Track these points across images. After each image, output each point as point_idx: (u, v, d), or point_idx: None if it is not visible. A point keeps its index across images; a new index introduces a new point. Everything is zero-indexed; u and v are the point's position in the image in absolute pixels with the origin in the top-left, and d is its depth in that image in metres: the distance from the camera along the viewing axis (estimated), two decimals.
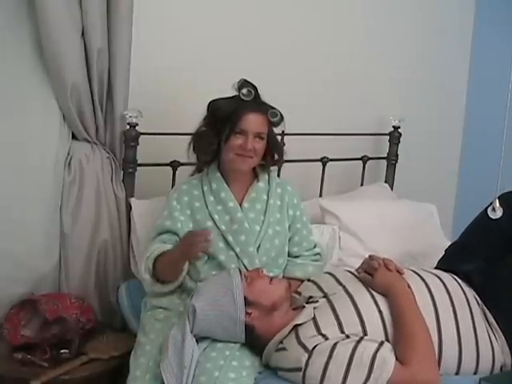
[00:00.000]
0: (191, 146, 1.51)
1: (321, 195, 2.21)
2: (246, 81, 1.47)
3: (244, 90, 1.44)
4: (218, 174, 1.53)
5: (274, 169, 1.68)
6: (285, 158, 2.05)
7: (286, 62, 2.12)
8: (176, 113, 1.85)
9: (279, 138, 1.94)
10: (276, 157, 1.54)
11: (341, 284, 1.38)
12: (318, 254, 1.64)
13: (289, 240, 1.58)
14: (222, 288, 1.29)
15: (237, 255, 1.47)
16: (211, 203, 1.50)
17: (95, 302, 1.76)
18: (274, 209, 1.55)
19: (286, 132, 2.01)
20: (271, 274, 1.44)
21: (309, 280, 1.47)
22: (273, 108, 1.48)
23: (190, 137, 1.53)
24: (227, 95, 1.49)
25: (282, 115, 1.49)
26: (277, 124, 1.48)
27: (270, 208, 1.54)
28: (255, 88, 1.47)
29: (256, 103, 1.45)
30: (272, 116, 1.45)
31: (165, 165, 1.85)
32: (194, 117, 1.50)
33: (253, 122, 1.43)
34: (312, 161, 2.18)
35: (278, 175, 2.06)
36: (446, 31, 2.54)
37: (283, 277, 1.51)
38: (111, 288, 1.78)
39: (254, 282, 1.32)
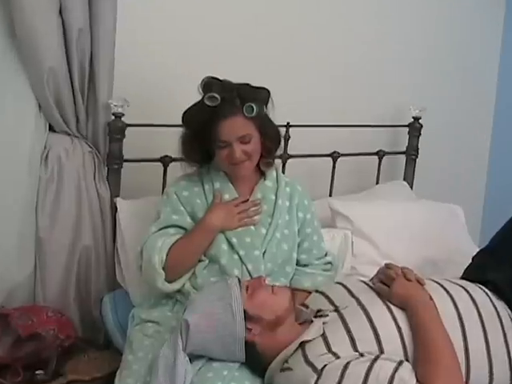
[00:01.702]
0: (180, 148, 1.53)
1: (331, 195, 2.21)
2: (208, 82, 1.45)
3: (207, 97, 1.42)
4: (222, 173, 1.55)
5: (277, 163, 1.71)
6: (290, 152, 2.09)
7: (291, 47, 2.12)
8: (167, 102, 1.85)
9: (283, 130, 1.97)
10: (273, 148, 1.54)
11: (354, 296, 1.39)
12: (329, 263, 1.66)
13: (298, 246, 1.59)
14: (219, 300, 1.29)
15: (241, 259, 1.49)
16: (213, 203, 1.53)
17: (75, 316, 1.76)
18: (283, 210, 1.57)
19: (291, 123, 2.05)
20: (277, 284, 1.45)
21: (317, 291, 1.48)
22: (250, 96, 1.44)
23: (182, 129, 1.55)
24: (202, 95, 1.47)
25: (264, 99, 1.47)
26: (260, 112, 1.45)
27: (278, 209, 1.55)
28: (221, 85, 1.44)
29: (227, 104, 1.43)
30: (248, 112, 1.42)
31: (155, 160, 1.85)
32: (187, 106, 1.50)
33: (230, 128, 1.43)
34: (321, 156, 2.18)
35: (283, 172, 2.06)
36: (475, 9, 2.53)
37: (289, 287, 1.52)
38: (94, 300, 1.79)
39: (256, 293, 1.32)
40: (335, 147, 2.19)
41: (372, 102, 2.33)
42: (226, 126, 1.43)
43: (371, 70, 2.32)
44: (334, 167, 2.20)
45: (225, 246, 1.50)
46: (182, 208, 1.53)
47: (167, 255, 1.45)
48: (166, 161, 1.86)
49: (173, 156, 1.81)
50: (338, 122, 2.16)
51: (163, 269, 1.45)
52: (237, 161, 1.46)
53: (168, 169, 1.87)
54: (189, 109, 1.49)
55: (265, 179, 1.58)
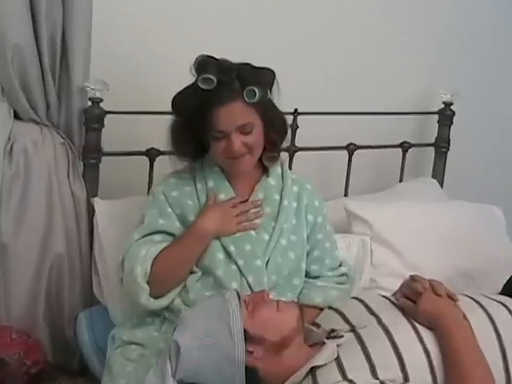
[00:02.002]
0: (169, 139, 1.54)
1: (346, 195, 2.22)
2: (202, 61, 1.45)
3: (201, 80, 1.42)
4: (217, 169, 1.56)
5: (283, 157, 1.69)
6: (298, 144, 2.09)
7: (300, 23, 2.12)
8: (153, 85, 1.86)
9: (290, 119, 1.97)
10: (278, 139, 1.54)
11: (373, 313, 1.39)
12: (345, 274, 1.66)
13: (307, 255, 1.60)
14: (215, 318, 1.29)
15: (240, 270, 1.49)
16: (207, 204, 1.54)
17: (45, 337, 1.77)
18: (289, 213, 1.57)
19: (299, 110, 2.04)
20: (283, 299, 1.44)
21: (331, 308, 1.49)
22: (252, 78, 1.44)
23: (171, 117, 1.55)
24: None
25: (268, 82, 1.47)
26: (263, 97, 1.45)
27: (284, 211, 1.56)
28: (217, 65, 1.44)
29: (225, 88, 1.43)
30: (249, 97, 1.42)
31: (139, 154, 1.86)
32: (177, 90, 1.50)
33: (228, 116, 1.43)
34: (335, 148, 2.18)
35: (290, 168, 2.07)
36: None
37: (298, 303, 1.51)
38: (67, 317, 1.79)
39: (258, 310, 1.32)
40: (351, 138, 2.20)
41: (395, 85, 2.33)
42: (223, 114, 1.43)
43: (394, 49, 2.32)
44: (349, 162, 2.20)
45: (221, 255, 1.50)
46: (170, 210, 1.53)
47: (152, 266, 1.45)
48: (152, 154, 1.86)
49: (160, 149, 1.81)
50: (354, 108, 2.16)
51: (147, 282, 1.45)
52: (236, 154, 1.46)
53: (155, 164, 1.87)
54: (179, 93, 1.49)
55: (268, 176, 1.59)
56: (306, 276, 1.60)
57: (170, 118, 1.53)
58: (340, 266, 1.66)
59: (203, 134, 1.49)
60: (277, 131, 1.53)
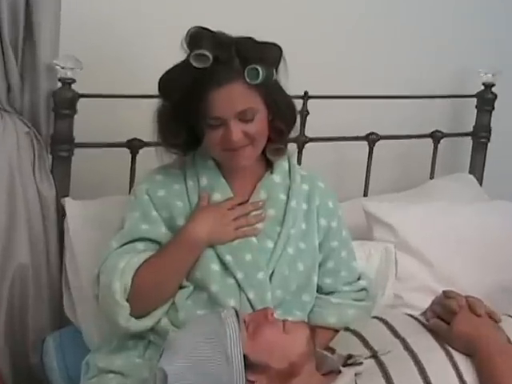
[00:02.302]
0: (156, 127, 1.54)
1: (366, 194, 2.22)
2: (195, 34, 1.45)
3: (194, 56, 1.42)
4: (211, 163, 1.56)
5: (291, 149, 1.69)
6: (309, 134, 2.08)
7: None
8: (136, 63, 1.86)
9: (300, 103, 1.97)
10: (285, 128, 1.54)
11: (398, 336, 1.39)
12: (364, 289, 1.67)
13: (319, 266, 1.60)
14: (209, 341, 1.29)
15: (238, 284, 1.50)
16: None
17: (5, 364, 1.76)
18: (298, 216, 1.57)
19: (310, 94, 2.05)
20: (290, 319, 1.43)
21: (348, 329, 1.49)
22: (254, 55, 1.43)
23: (158, 101, 1.55)
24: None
25: (274, 60, 1.47)
26: (268, 78, 1.44)
27: (291, 214, 1.56)
28: (213, 38, 1.44)
29: (222, 66, 1.43)
30: (251, 78, 1.42)
31: (119, 145, 1.87)
32: (164, 69, 1.50)
33: (226, 101, 1.43)
34: (352, 139, 2.19)
35: (299, 162, 2.08)
36: None
37: (308, 323, 1.50)
38: (32, 341, 1.79)
39: (260, 332, 1.32)
40: (373, 127, 2.20)
41: (425, 63, 2.34)
42: (220, 97, 1.43)
43: (424, 21, 2.32)
44: (370, 155, 2.20)
45: (216, 267, 1.50)
46: (155, 213, 1.53)
47: (133, 280, 1.45)
48: (134, 146, 1.86)
49: (144, 139, 1.82)
50: (376, 91, 2.16)
51: (128, 300, 1.45)
52: (234, 146, 1.46)
53: (137, 157, 1.87)
54: (168, 72, 1.49)
55: (272, 172, 1.59)
56: (317, 291, 1.60)
57: (156, 102, 1.52)
58: (358, 279, 1.67)
59: (196, 122, 1.49)
60: (283, 118, 1.53)
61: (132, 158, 1.87)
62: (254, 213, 1.54)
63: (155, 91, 1.50)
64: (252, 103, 1.45)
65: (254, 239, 1.53)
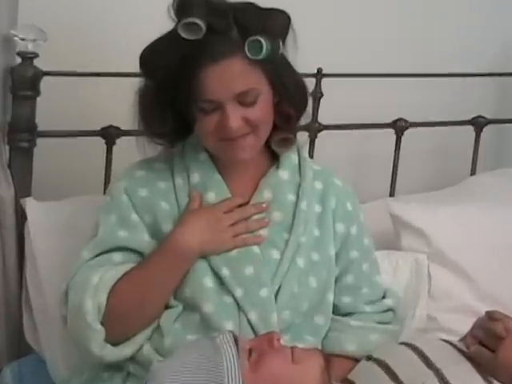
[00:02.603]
0: (137, 110, 1.54)
1: (392, 194, 2.24)
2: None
3: (183, 26, 1.41)
4: (204, 155, 1.57)
5: (302, 140, 1.68)
6: (323, 121, 2.08)
7: None
8: (112, 36, 1.86)
9: (312, 83, 1.96)
10: (294, 113, 1.54)
11: (432, 367, 1.39)
12: (390, 309, 1.67)
13: (336, 281, 1.61)
14: (202, 373, 1.28)
15: (237, 303, 1.50)
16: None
17: None
18: (310, 220, 1.58)
19: (324, 71, 2.05)
20: (300, 346, 1.43)
21: (370, 359, 1.49)
22: (257, 24, 1.43)
23: (139, 80, 1.54)
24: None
25: (280, 30, 1.47)
26: (273, 52, 1.43)
27: (302, 218, 1.56)
28: (207, 3, 1.43)
29: (218, 38, 1.42)
30: (253, 52, 1.42)
31: (91, 134, 1.87)
32: (146, 42, 1.47)
33: (222, 80, 1.43)
34: (376, 126, 2.21)
35: (311, 155, 2.08)
36: None
37: (322, 351, 1.50)
38: None
39: (264, 361, 1.32)
40: (400, 112, 2.21)
41: (463, 35, 2.34)
42: (214, 76, 1.42)
43: None
44: (398, 146, 2.21)
45: (209, 282, 1.49)
46: (136, 217, 1.53)
47: (109, 299, 1.45)
48: (110, 135, 1.87)
49: (122, 127, 1.82)
50: (404, 69, 2.17)
51: (102, 322, 1.45)
52: (233, 134, 1.45)
53: (114, 149, 1.88)
54: (152, 45, 1.48)
55: (278, 167, 1.59)
56: (333, 312, 1.60)
57: (137, 81, 1.52)
58: (383, 297, 1.67)
59: (186, 106, 1.48)
60: (292, 101, 1.52)
61: (107, 150, 1.87)
62: (256, 216, 1.54)
63: (136, 68, 1.49)
64: (254, 83, 1.45)
65: (256, 249, 1.53)
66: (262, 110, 1.47)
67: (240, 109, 1.45)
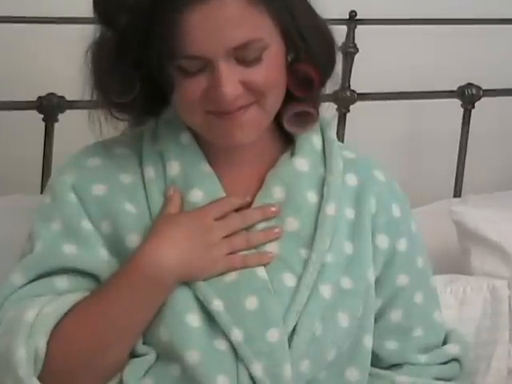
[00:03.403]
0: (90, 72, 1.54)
1: (458, 194, 2.26)
2: None
3: None
4: (186, 136, 1.59)
5: (328, 115, 1.68)
6: (357, 88, 2.10)
7: None
8: None
9: (342, 32, 1.97)
10: (315, 75, 1.53)
11: None
12: (455, 359, 1.68)
13: (376, 319, 1.61)
14: None
15: (234, 351, 1.50)
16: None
17: None
18: (339, 230, 1.59)
19: (359, 16, 2.07)
20: None
21: None
22: None
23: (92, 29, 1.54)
24: None
25: None
26: None
27: (327, 227, 1.57)
28: None
29: None
30: None
31: (24, 107, 1.89)
32: None
33: (212, 27, 1.44)
34: (434, 96, 2.23)
35: (341, 137, 2.09)
36: None
37: None
38: None
39: None
40: (469, 76, 2.22)
41: None
42: (201, 21, 1.43)
43: None
44: (466, 123, 2.23)
45: (195, 320, 1.50)
46: (87, 226, 1.55)
47: (50, 345, 1.46)
48: (50, 107, 1.88)
49: (67, 97, 1.85)
50: (473, 12, 2.19)
51: (40, 377, 1.45)
52: (227, 106, 1.46)
53: (56, 127, 1.90)
54: None
55: (293, 154, 1.60)
56: (373, 364, 1.61)
57: (89, 31, 1.52)
58: (445, 342, 1.68)
59: (159, 65, 1.48)
60: (313, 57, 1.52)
61: (47, 129, 1.89)
62: (261, 225, 1.55)
63: (89, 12, 1.49)
64: (257, 31, 1.45)
65: (261, 272, 1.53)
66: (270, 71, 1.47)
67: (238, 69, 1.45)
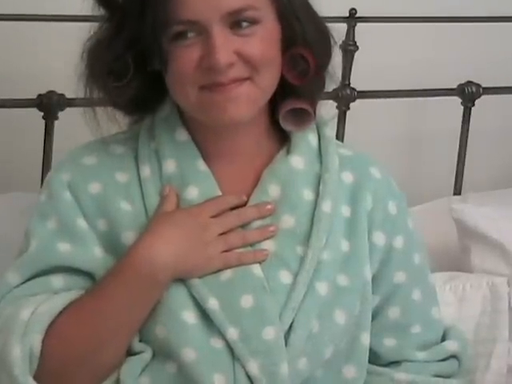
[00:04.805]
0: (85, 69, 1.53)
1: (458, 191, 2.25)
2: None
3: None
4: (183, 133, 1.59)
5: (326, 113, 1.67)
6: (357, 86, 2.09)
7: None
8: None
9: (342, 29, 1.96)
10: (311, 60, 1.52)
11: None
12: (454, 356, 1.67)
13: (373, 316, 1.61)
14: None
15: (230, 349, 1.50)
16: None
17: None
18: (336, 228, 1.59)
19: (359, 14, 2.07)
20: None
21: None
22: None
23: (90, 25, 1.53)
24: None
25: None
26: None
27: (323, 225, 1.57)
28: None
29: None
30: None
31: (23, 105, 1.89)
32: None
33: None
34: (434, 94, 2.22)
35: (339, 136, 2.09)
36: None
37: None
38: None
39: None
40: (469, 74, 2.21)
41: None
42: None
43: None
44: (466, 122, 2.22)
45: (190, 317, 1.49)
46: (83, 224, 1.55)
47: (45, 343, 1.46)
48: (50, 105, 1.88)
49: (67, 95, 1.85)
50: (475, 11, 2.18)
51: (36, 376, 1.46)
52: (220, 77, 1.46)
53: (56, 125, 1.90)
54: None
55: (289, 151, 1.59)
56: (370, 361, 1.61)
57: (86, 28, 1.52)
58: (443, 339, 1.68)
59: (153, 39, 1.47)
60: (308, 43, 1.52)
61: (47, 126, 1.89)
62: (257, 223, 1.55)
63: (89, 11, 1.49)
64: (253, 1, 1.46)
65: (257, 269, 1.52)
66: (264, 46, 1.47)
67: (232, 38, 1.45)
